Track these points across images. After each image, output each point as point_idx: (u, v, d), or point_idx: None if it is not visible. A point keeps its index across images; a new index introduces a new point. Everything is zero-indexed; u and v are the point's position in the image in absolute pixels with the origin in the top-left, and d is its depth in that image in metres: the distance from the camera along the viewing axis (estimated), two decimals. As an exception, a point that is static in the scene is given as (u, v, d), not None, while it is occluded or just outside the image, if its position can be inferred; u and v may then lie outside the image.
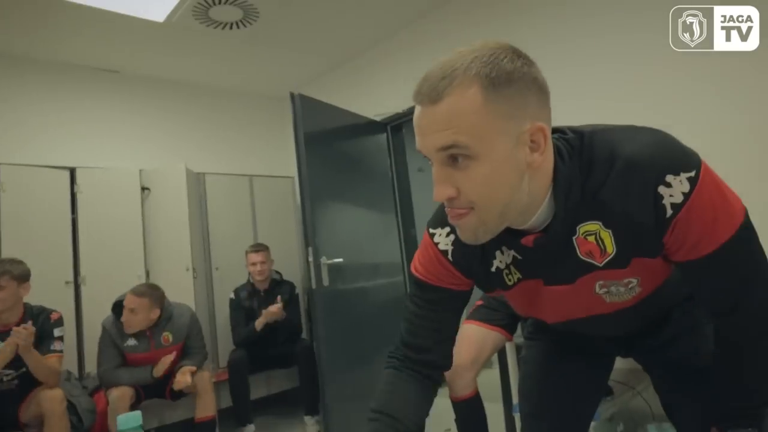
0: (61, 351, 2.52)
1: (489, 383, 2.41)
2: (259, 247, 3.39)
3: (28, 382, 2.43)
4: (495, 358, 2.42)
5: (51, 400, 2.34)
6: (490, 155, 0.67)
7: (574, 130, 0.78)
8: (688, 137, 0.76)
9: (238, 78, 4.22)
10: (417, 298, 0.94)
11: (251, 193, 4.06)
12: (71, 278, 3.15)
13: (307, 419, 3.08)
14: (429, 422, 2.93)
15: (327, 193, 3.10)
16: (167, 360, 2.71)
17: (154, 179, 3.55)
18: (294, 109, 2.98)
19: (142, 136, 3.87)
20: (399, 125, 3.87)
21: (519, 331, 2.12)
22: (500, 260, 0.87)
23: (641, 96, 2.37)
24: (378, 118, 3.72)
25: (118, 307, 2.74)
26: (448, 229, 0.88)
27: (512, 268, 0.87)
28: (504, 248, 0.86)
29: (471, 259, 0.88)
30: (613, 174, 0.72)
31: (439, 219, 0.89)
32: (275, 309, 3.20)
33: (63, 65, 3.56)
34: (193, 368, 2.74)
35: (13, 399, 2.41)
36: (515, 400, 2.15)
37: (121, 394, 2.56)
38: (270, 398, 3.48)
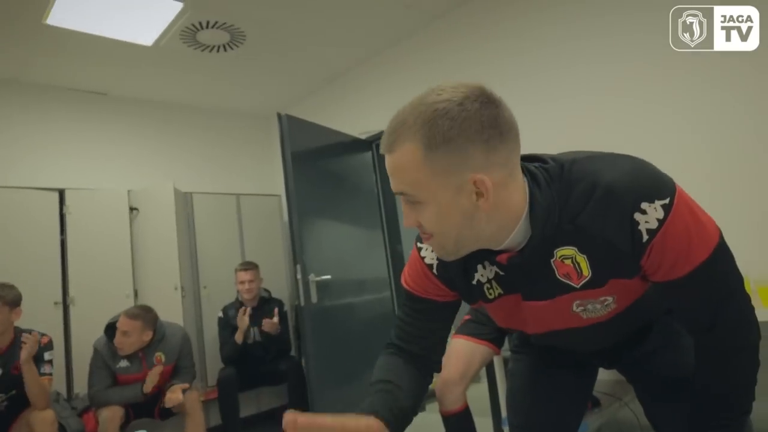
0: (50, 374, 2.53)
1: (478, 397, 2.45)
2: (248, 266, 3.41)
3: (18, 405, 2.44)
4: (483, 372, 2.47)
5: (42, 422, 2.35)
6: (432, 202, 0.76)
7: (555, 159, 0.83)
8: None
9: (224, 99, 4.27)
10: (407, 307, 1.00)
11: (238, 212, 4.09)
12: (60, 299, 3.15)
13: (297, 436, 3.08)
14: (420, 436, 2.87)
15: (314, 210, 3.15)
16: (156, 371, 2.71)
17: (142, 199, 3.57)
18: (281, 128, 3.04)
19: (130, 157, 3.90)
20: (384, 143, 3.94)
21: (506, 344, 2.17)
22: (481, 274, 0.92)
23: (641, 95, 2.39)
24: (363, 136, 3.79)
25: (110, 328, 2.75)
26: None
27: (493, 282, 0.92)
28: (486, 263, 0.91)
29: (454, 272, 0.93)
30: (592, 202, 0.76)
31: None
32: (271, 324, 3.22)
33: (51, 88, 3.58)
34: (185, 385, 2.75)
35: (2, 421, 2.41)
36: (504, 413, 2.20)
37: (111, 414, 2.56)
38: (259, 416, 3.49)
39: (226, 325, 3.35)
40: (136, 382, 2.73)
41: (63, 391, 3.00)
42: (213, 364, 3.54)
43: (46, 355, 2.53)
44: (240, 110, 4.55)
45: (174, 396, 2.69)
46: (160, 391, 2.78)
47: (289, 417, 0.70)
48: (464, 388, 2.04)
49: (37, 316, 2.82)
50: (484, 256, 0.88)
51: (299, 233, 2.97)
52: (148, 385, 2.69)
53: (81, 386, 3.04)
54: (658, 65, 2.33)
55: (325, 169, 3.43)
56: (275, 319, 3.28)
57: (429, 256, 0.95)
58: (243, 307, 3.29)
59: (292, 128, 3.07)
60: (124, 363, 2.74)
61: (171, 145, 4.14)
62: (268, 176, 4.59)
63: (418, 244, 0.97)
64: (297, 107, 4.14)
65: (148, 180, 3.78)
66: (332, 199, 3.39)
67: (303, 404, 3.03)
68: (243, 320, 3.23)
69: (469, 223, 0.77)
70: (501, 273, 0.90)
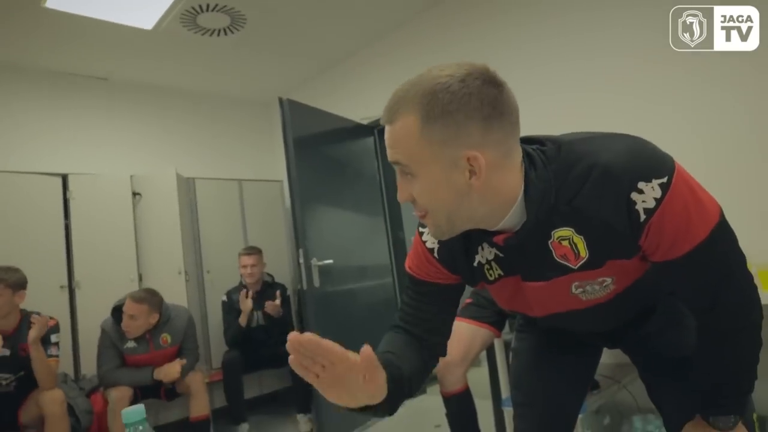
0: (57, 356, 2.57)
1: (478, 381, 2.49)
2: (251, 251, 3.44)
3: (26, 386, 2.49)
4: (483, 356, 2.50)
5: (51, 402, 2.39)
6: (426, 175, 0.77)
7: (553, 140, 0.82)
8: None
9: (226, 83, 4.26)
10: (411, 291, 1.01)
11: (241, 197, 4.10)
12: (66, 283, 3.18)
13: (300, 417, 3.14)
14: (419, 418, 3.01)
15: (316, 195, 3.17)
16: (173, 371, 2.74)
17: (144, 184, 3.58)
18: (283, 113, 3.04)
19: (132, 142, 3.91)
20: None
21: (507, 328, 2.20)
22: (482, 256, 0.93)
23: (640, 93, 2.39)
24: (365, 122, 3.79)
25: (117, 311, 2.78)
26: None
27: (493, 264, 0.92)
28: (485, 245, 0.92)
29: (455, 255, 0.94)
30: (589, 182, 0.76)
31: None
32: (273, 306, 3.25)
33: (52, 73, 3.57)
34: (183, 361, 2.79)
35: (11, 402, 2.46)
36: (504, 395, 2.23)
37: (120, 394, 2.61)
38: (262, 398, 3.53)
39: (230, 308, 3.38)
40: (144, 362, 2.78)
41: (70, 372, 3.04)
42: (217, 347, 3.59)
43: (53, 338, 2.57)
44: (242, 96, 4.54)
45: (172, 371, 2.73)
46: None
47: (293, 335, 0.69)
48: (465, 369, 2.08)
49: (44, 299, 2.85)
50: (483, 237, 0.88)
51: (301, 218, 2.99)
52: (164, 374, 2.72)
53: (88, 368, 3.09)
54: (656, 63, 2.33)
55: (326, 155, 3.43)
56: (277, 301, 3.32)
57: (431, 240, 0.95)
58: (245, 290, 3.32)
59: (293, 113, 3.07)
60: (131, 344, 2.79)
61: (172, 130, 4.14)
62: (269, 162, 4.60)
63: (420, 229, 0.98)
64: (299, 92, 4.12)
65: (150, 165, 3.79)
66: (334, 185, 3.40)
67: (305, 386, 3.06)
68: (246, 303, 3.27)
69: (461, 201, 0.78)
70: (500, 254, 0.90)
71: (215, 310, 3.59)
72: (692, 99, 2.25)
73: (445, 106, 0.73)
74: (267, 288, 3.49)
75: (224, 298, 3.43)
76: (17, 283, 2.51)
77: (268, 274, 3.59)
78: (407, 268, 1.01)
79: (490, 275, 0.94)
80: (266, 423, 3.41)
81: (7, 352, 2.43)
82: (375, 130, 3.88)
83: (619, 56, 2.48)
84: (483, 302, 2.14)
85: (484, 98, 0.73)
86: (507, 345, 2.23)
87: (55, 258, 3.17)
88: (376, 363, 0.75)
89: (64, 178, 3.30)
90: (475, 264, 0.94)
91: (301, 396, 3.16)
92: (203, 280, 3.75)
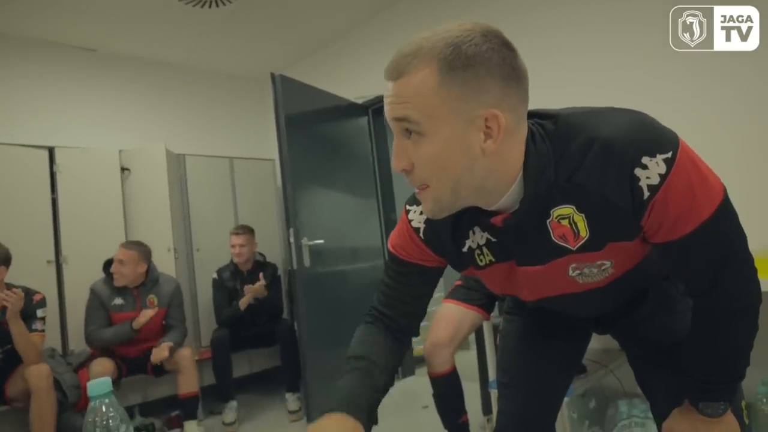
0: (42, 331, 2.55)
1: (466, 363, 2.50)
2: (241, 230, 3.40)
3: (13, 359, 2.47)
4: (472, 339, 2.51)
5: (37, 376, 2.37)
6: (438, 134, 0.70)
7: (551, 114, 0.79)
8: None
9: (218, 58, 4.18)
10: (392, 271, 0.98)
11: (232, 175, 4.06)
12: (53, 257, 3.14)
13: (288, 396, 3.15)
14: (407, 399, 3.03)
15: (308, 175, 3.13)
16: (148, 314, 2.80)
17: (134, 160, 3.52)
18: (275, 89, 2.99)
19: (121, 116, 3.83)
20: (380, 108, 3.89)
21: (496, 311, 2.20)
22: (472, 241, 0.89)
23: (640, 91, 2.36)
24: (360, 101, 3.74)
25: (108, 265, 2.89)
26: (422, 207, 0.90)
27: (485, 249, 0.88)
28: (477, 229, 0.87)
29: (442, 237, 0.90)
30: (589, 157, 0.72)
31: (416, 197, 0.91)
32: (258, 286, 3.24)
33: (38, 42, 3.48)
34: (170, 344, 2.81)
35: None
36: (492, 377, 2.25)
37: (102, 368, 2.61)
38: (251, 376, 3.54)
39: (221, 287, 3.36)
40: (130, 320, 2.82)
41: (58, 348, 3.02)
42: (206, 325, 3.58)
43: (39, 312, 2.54)
44: (234, 71, 4.46)
45: (160, 353, 2.75)
46: (150, 349, 2.82)
47: None
48: (453, 351, 2.08)
49: (31, 274, 2.83)
50: (476, 221, 0.85)
51: (292, 197, 2.96)
52: (139, 321, 2.77)
53: (75, 343, 3.07)
54: (656, 61, 2.31)
55: (319, 134, 3.39)
56: (259, 283, 3.27)
57: (417, 219, 0.92)
58: (259, 282, 3.26)
59: (285, 89, 3.02)
60: (118, 300, 2.87)
61: (163, 105, 4.07)
62: (261, 140, 4.54)
63: (407, 207, 0.95)
64: (292, 70, 4.05)
65: (140, 140, 3.73)
66: (326, 165, 3.36)
67: (294, 365, 3.08)
68: (255, 289, 3.23)
69: (471, 168, 0.73)
70: (493, 239, 0.87)
71: (205, 288, 3.57)
72: (692, 98, 2.24)
73: (469, 59, 0.68)
74: (258, 267, 3.47)
75: (215, 275, 3.41)
76: (1, 257, 2.47)
77: (260, 254, 3.57)
78: (390, 247, 0.98)
79: (481, 261, 0.90)
80: (255, 401, 3.43)
81: (-8, 326, 2.40)
82: (369, 109, 3.84)
83: (618, 52, 2.45)
84: (473, 284, 2.14)
85: (504, 57, 0.70)
86: (496, 328, 2.24)
87: (42, 232, 3.12)
88: None
89: (51, 151, 3.24)
90: (465, 249, 0.90)
91: (290, 375, 3.17)
92: (193, 258, 3.72)
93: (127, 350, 2.86)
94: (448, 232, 0.90)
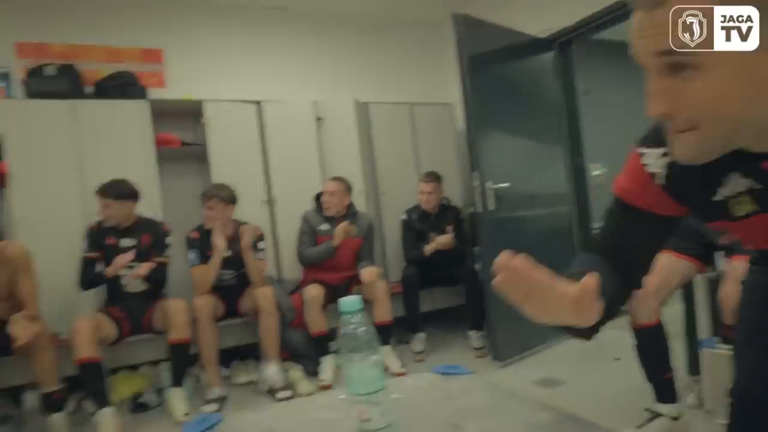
0: (263, 260, 3.03)
1: (669, 320, 2.29)
2: (429, 178, 3.50)
3: (244, 281, 2.99)
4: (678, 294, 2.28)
5: (264, 297, 2.83)
6: (719, 64, 0.59)
7: None
8: None
9: (394, 4, 4.24)
10: (617, 216, 0.89)
11: (412, 121, 4.17)
12: (266, 198, 3.61)
13: (472, 333, 3.26)
14: (597, 351, 2.90)
15: (490, 117, 3.07)
16: (342, 227, 3.15)
17: (326, 109, 3.80)
18: (456, 30, 2.94)
19: (312, 69, 4.18)
20: (567, 41, 3.60)
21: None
22: (729, 188, 0.77)
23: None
24: (544, 34, 3.50)
25: (319, 196, 3.34)
26: (663, 149, 0.79)
27: (745, 198, 0.77)
28: (735, 175, 0.76)
29: (689, 184, 0.79)
30: None
31: (652, 137, 0.82)
32: (445, 239, 3.35)
33: (234, 6, 3.92)
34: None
35: (233, 293, 3.00)
36: (702, 335, 2.05)
37: (315, 292, 2.98)
38: (434, 312, 3.70)
39: (410, 227, 3.54)
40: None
41: (274, 276, 3.51)
42: (394, 261, 3.84)
43: (260, 245, 3.02)
44: (410, 16, 4.50)
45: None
46: (350, 279, 3.19)
47: (505, 258, 0.62)
48: (659, 303, 1.93)
49: (250, 212, 3.31)
50: (735, 165, 0.73)
51: (476, 141, 2.94)
52: (336, 239, 3.13)
53: (288, 271, 3.54)
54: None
55: (501, 74, 3.27)
56: (447, 236, 3.35)
57: (655, 163, 0.82)
58: (446, 235, 3.38)
59: (468, 30, 2.96)
60: (325, 226, 3.26)
61: (346, 56, 4.34)
62: (437, 84, 4.57)
63: (640, 150, 0.84)
64: (468, 8, 3.92)
65: (329, 91, 4.03)
66: (508, 106, 3.24)
67: (479, 306, 3.15)
68: (442, 243, 3.36)
69: (756, 101, 0.60)
70: (758, 186, 0.74)
71: (391, 228, 3.82)
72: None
73: None
74: (444, 210, 3.58)
75: (404, 216, 3.59)
76: (229, 197, 2.94)
77: (445, 197, 3.66)
78: (617, 190, 0.88)
79: (738, 211, 0.78)
80: (439, 336, 3.60)
81: (229, 253, 2.91)
82: (556, 43, 3.57)
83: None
84: (686, 232, 1.93)
85: None
86: (712, 282, 2.01)
87: (257, 177, 3.58)
88: (595, 296, 0.64)
89: (258, 105, 3.65)
90: (717, 198, 0.78)
91: (474, 314, 3.26)
92: (379, 201, 3.97)
93: (330, 278, 3.19)
94: (697, 178, 0.78)
